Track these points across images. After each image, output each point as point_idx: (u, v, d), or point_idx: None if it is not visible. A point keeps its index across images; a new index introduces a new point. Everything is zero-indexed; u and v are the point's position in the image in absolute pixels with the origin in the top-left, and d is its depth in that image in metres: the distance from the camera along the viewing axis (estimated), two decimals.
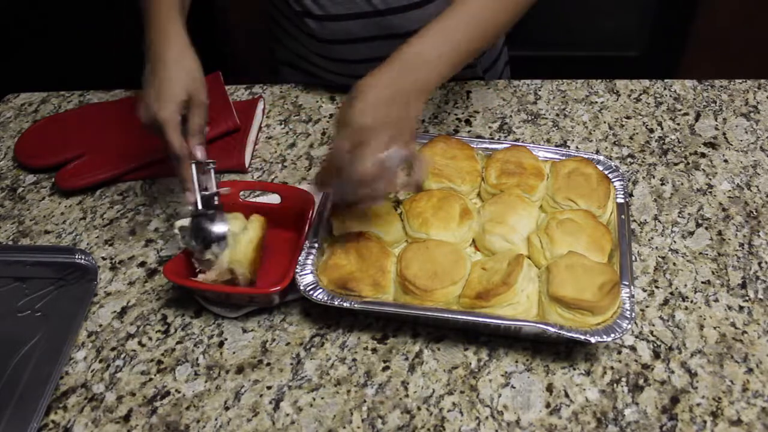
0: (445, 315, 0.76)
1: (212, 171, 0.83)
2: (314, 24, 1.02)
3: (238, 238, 0.81)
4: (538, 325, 0.73)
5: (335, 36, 1.03)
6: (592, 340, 0.71)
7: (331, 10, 1.00)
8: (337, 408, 0.74)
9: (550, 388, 0.75)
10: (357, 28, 1.02)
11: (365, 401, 0.75)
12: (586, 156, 0.92)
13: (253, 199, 0.93)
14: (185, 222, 0.81)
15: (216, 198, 0.83)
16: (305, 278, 0.78)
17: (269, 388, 0.77)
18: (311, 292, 0.77)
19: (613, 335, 0.71)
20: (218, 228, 0.81)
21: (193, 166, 0.81)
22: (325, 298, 0.77)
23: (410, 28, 1.01)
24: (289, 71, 1.21)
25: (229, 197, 0.88)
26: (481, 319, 0.74)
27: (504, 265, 0.77)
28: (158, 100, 0.80)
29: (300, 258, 0.80)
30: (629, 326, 0.72)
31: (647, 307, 0.82)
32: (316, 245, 0.82)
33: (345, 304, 0.76)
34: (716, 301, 0.83)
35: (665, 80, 1.15)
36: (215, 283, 0.81)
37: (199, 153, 0.81)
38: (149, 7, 0.86)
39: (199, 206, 0.81)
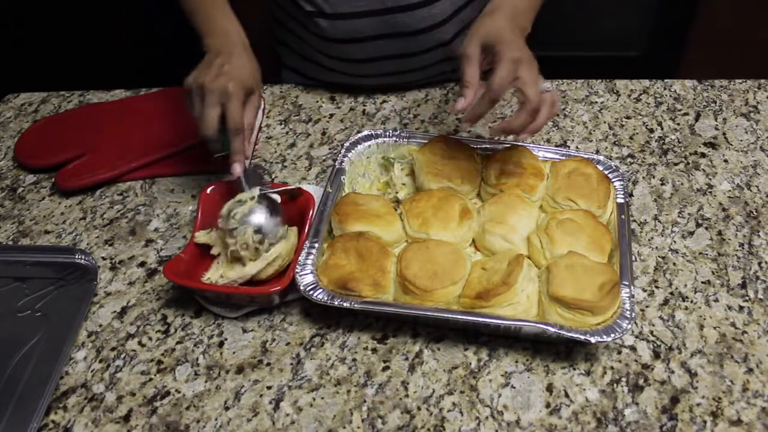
0: (445, 315, 0.76)
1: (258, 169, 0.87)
2: (324, 23, 1.03)
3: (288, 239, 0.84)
4: (538, 325, 0.73)
5: (343, 35, 1.04)
6: (592, 340, 0.71)
7: (341, 9, 1.01)
8: (337, 408, 0.74)
9: (550, 388, 0.75)
10: (365, 27, 1.03)
11: (365, 401, 0.75)
12: (586, 156, 0.92)
13: None
14: (244, 204, 0.83)
15: (269, 194, 0.86)
16: (305, 278, 0.78)
17: (269, 388, 0.77)
18: (311, 292, 0.77)
19: (613, 335, 0.71)
20: (274, 220, 0.84)
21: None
22: (325, 298, 0.77)
23: (417, 27, 1.02)
24: (291, 76, 1.21)
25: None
26: (481, 319, 0.74)
27: (504, 265, 0.78)
28: (230, 77, 0.82)
29: (300, 258, 0.80)
30: (629, 326, 0.72)
31: (647, 307, 0.82)
32: (316, 245, 0.82)
33: (345, 304, 0.76)
34: (716, 301, 0.83)
35: (665, 80, 1.15)
36: (256, 276, 0.82)
37: (248, 147, 0.85)
38: (203, 4, 0.91)
39: (244, 184, 0.85)
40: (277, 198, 0.87)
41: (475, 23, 0.83)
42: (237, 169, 0.84)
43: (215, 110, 0.82)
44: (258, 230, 0.82)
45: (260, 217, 0.83)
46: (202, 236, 0.86)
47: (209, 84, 0.82)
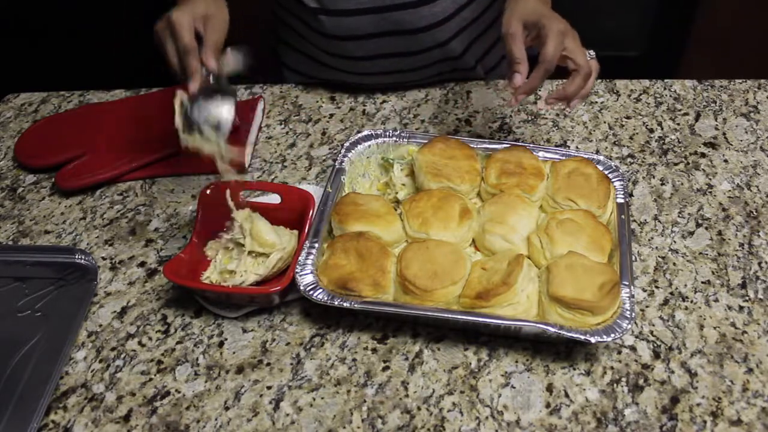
0: (445, 315, 0.76)
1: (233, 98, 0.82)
2: (326, 19, 1.03)
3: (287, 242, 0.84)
4: (538, 325, 0.73)
5: (344, 32, 1.04)
6: (592, 340, 0.71)
7: (343, 5, 1.01)
8: (337, 408, 0.74)
9: (550, 388, 0.75)
10: (366, 24, 1.03)
11: (365, 401, 0.75)
12: (586, 156, 0.92)
13: (253, 199, 0.93)
14: (184, 97, 0.81)
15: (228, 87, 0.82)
16: (305, 278, 0.78)
17: (269, 388, 0.77)
18: (311, 292, 0.77)
19: (613, 335, 0.71)
20: (219, 108, 0.80)
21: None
22: (325, 298, 0.77)
23: (418, 25, 1.03)
24: (291, 75, 1.21)
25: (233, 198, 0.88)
26: (481, 319, 0.74)
27: (504, 265, 0.77)
28: (176, 9, 0.81)
29: (300, 258, 0.80)
30: (629, 326, 0.72)
31: (647, 307, 0.82)
32: (316, 245, 0.82)
33: (345, 304, 0.76)
34: (716, 301, 0.83)
35: (665, 80, 1.15)
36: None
37: (211, 62, 0.81)
38: None
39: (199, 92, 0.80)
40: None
41: (508, 7, 0.86)
42: (191, 85, 0.82)
43: (169, 44, 0.82)
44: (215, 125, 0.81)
45: (205, 110, 0.81)
46: (209, 249, 0.87)
47: (157, 26, 0.83)
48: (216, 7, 0.86)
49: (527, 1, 0.85)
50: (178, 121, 0.82)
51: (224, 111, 0.81)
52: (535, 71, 0.82)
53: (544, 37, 0.80)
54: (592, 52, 0.84)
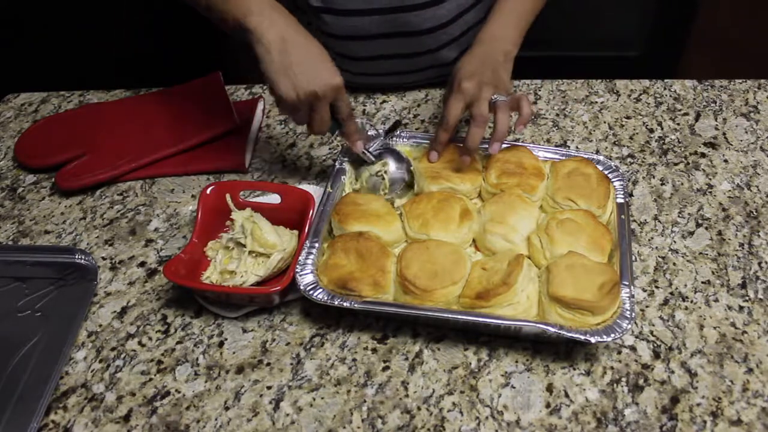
0: (445, 315, 0.76)
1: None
2: (331, 19, 1.03)
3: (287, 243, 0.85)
4: (538, 325, 0.73)
5: (348, 32, 1.04)
6: (592, 340, 0.71)
7: (350, 5, 1.01)
8: (337, 408, 0.74)
9: (550, 388, 0.75)
10: (371, 25, 1.03)
11: (365, 401, 0.75)
12: (586, 156, 0.92)
13: (253, 199, 0.93)
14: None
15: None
16: (305, 278, 0.78)
17: (269, 388, 0.77)
18: (311, 292, 0.77)
19: (613, 335, 0.71)
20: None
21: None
22: (325, 298, 0.77)
23: (423, 26, 1.03)
24: None
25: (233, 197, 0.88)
26: (481, 319, 0.74)
27: (504, 265, 0.77)
28: (325, 68, 0.82)
29: (300, 258, 0.80)
30: (629, 326, 0.72)
31: (647, 307, 0.82)
32: (317, 245, 0.82)
33: (345, 304, 0.76)
34: (716, 301, 0.83)
35: (665, 80, 1.15)
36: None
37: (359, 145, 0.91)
38: None
39: (368, 156, 0.92)
40: (398, 149, 0.95)
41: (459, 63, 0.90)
42: (359, 145, 0.91)
43: (317, 116, 0.84)
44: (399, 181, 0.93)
45: (396, 170, 0.94)
46: (209, 249, 0.87)
47: (302, 96, 0.81)
48: (323, 56, 0.85)
49: (469, 57, 0.91)
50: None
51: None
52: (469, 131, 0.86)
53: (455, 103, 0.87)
54: (500, 95, 0.87)
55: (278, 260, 0.83)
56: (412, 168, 0.93)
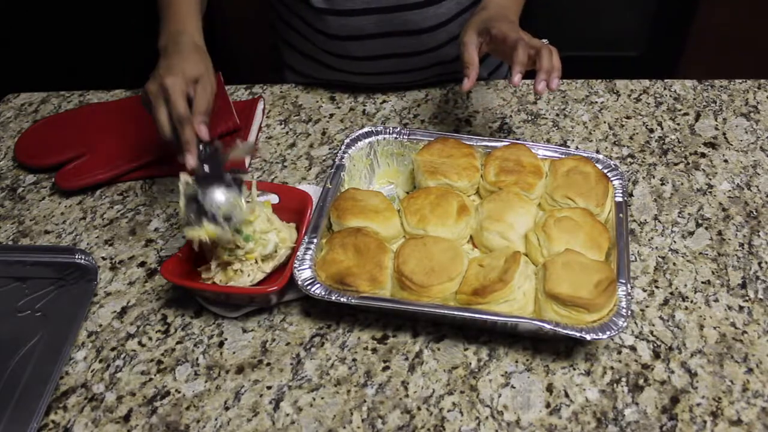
0: (442, 311, 0.76)
1: (219, 153, 0.81)
2: (332, 20, 1.03)
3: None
4: (534, 322, 0.73)
5: (349, 31, 1.04)
6: (588, 337, 0.71)
7: (350, 5, 1.01)
8: (337, 408, 0.74)
9: (550, 388, 0.75)
10: (371, 24, 1.03)
11: (365, 401, 0.75)
12: (585, 154, 0.92)
13: None
14: (189, 179, 0.78)
15: (228, 175, 0.80)
16: (303, 273, 0.78)
17: (269, 388, 0.77)
18: (309, 287, 0.77)
19: (609, 333, 0.71)
20: (219, 197, 0.77)
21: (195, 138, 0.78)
22: (323, 293, 0.77)
23: (423, 26, 1.03)
24: (292, 75, 1.21)
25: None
26: (477, 316, 0.74)
27: (501, 262, 0.78)
28: (168, 71, 0.80)
29: (299, 253, 0.80)
30: (625, 324, 0.72)
31: (647, 307, 0.82)
32: (315, 240, 0.82)
33: (342, 299, 0.76)
34: (716, 301, 0.83)
35: (665, 80, 1.15)
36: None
37: (203, 131, 0.79)
38: (168, 5, 0.89)
39: (199, 170, 0.78)
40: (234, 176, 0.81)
41: (467, 21, 0.92)
42: (189, 160, 0.78)
43: (162, 111, 0.79)
44: (226, 217, 0.78)
45: (216, 199, 0.78)
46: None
47: (149, 87, 0.80)
48: (205, 68, 0.84)
49: (483, 12, 0.91)
50: (183, 209, 0.78)
51: (234, 200, 0.78)
52: (515, 54, 0.83)
53: (498, 35, 0.86)
54: (545, 41, 0.87)
55: (285, 256, 0.83)
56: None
